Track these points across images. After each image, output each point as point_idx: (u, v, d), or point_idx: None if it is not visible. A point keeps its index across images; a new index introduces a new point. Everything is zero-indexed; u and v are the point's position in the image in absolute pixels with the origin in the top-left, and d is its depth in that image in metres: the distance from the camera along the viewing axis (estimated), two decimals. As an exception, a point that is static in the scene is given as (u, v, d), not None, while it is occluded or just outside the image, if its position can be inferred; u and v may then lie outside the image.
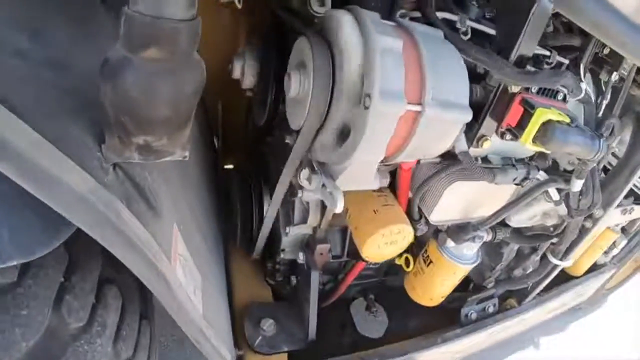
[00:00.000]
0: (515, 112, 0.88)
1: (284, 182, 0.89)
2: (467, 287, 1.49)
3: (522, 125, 0.87)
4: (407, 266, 1.24)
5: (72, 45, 0.68)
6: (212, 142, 1.51)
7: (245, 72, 1.01)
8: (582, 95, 1.05)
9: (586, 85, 1.13)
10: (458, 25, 0.92)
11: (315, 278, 1.13)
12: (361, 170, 0.76)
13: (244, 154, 1.49)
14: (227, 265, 1.33)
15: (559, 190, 1.10)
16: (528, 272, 1.41)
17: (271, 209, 1.02)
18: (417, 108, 0.69)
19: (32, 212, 0.50)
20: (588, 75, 1.22)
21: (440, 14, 0.90)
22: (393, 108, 0.66)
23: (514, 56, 0.83)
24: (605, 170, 1.38)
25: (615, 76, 1.15)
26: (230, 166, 1.54)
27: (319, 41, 0.71)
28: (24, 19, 0.61)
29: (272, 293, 1.33)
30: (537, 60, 1.10)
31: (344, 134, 0.72)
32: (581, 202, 1.11)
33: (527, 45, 0.84)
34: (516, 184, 1.00)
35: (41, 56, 0.58)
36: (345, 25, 0.69)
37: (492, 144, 0.93)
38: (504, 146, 0.99)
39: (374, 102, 0.64)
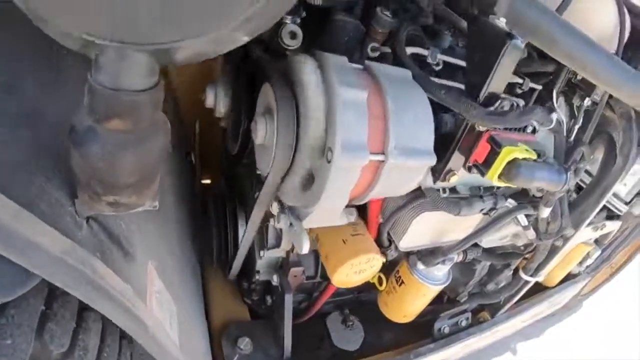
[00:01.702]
0: (482, 149, 0.89)
1: (255, 220, 0.89)
2: (442, 299, 1.52)
3: (488, 162, 0.88)
4: (380, 285, 1.26)
5: (43, 93, 0.69)
6: (187, 155, 1.50)
7: (217, 101, 1.00)
8: (553, 125, 1.05)
9: (557, 115, 1.14)
10: (429, 60, 0.92)
11: (289, 300, 1.15)
12: (327, 213, 0.77)
13: (221, 170, 1.49)
14: (205, 283, 1.34)
15: (527, 216, 1.12)
16: (501, 286, 1.43)
17: (246, 238, 1.02)
18: (380, 157, 0.70)
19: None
20: (561, 98, 1.23)
21: (410, 49, 0.90)
22: (355, 161, 0.67)
23: (482, 95, 0.82)
24: (579, 187, 1.39)
25: (587, 101, 1.16)
26: (208, 181, 1.54)
27: (283, 90, 0.71)
28: None
29: (249, 311, 1.34)
30: (509, 87, 1.11)
31: (309, 181, 0.72)
32: (549, 227, 1.13)
33: (497, 83, 0.83)
34: (484, 214, 1.01)
35: (15, 110, 0.60)
36: (308, 75, 0.69)
37: (461, 174, 0.94)
38: (472, 177, 1.00)
39: (336, 157, 0.65)
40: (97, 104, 0.46)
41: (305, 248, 0.78)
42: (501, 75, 0.83)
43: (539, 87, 1.16)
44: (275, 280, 1.19)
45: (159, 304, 0.84)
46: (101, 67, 0.43)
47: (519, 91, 1.13)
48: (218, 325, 1.29)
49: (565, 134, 1.19)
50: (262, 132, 0.74)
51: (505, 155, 0.85)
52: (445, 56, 0.94)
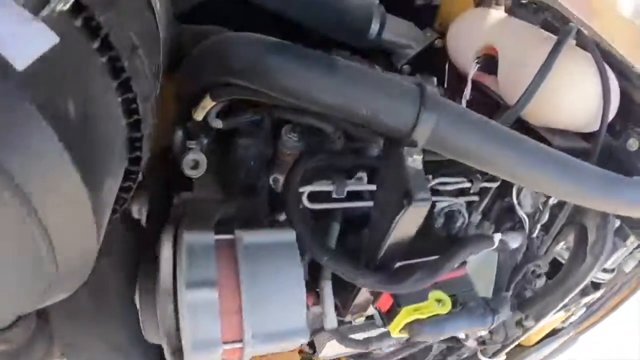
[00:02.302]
0: (386, 300, 0.80)
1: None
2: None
3: (390, 315, 0.80)
4: (326, 363, 1.25)
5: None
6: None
7: (141, 212, 0.97)
8: (495, 246, 0.93)
9: (518, 211, 1.00)
10: (334, 195, 0.82)
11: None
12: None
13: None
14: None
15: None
16: (463, 358, 1.37)
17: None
18: (238, 345, 0.66)
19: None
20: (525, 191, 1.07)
21: (310, 188, 0.80)
22: (209, 356, 0.64)
23: (379, 257, 0.71)
24: (558, 263, 1.24)
25: (553, 200, 1.00)
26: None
27: (146, 270, 0.68)
28: None
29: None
30: (457, 192, 0.98)
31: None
32: (494, 337, 1.04)
33: (398, 239, 0.70)
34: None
35: None
36: (163, 258, 0.65)
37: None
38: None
39: (187, 355, 0.63)
40: None
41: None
42: (401, 235, 0.70)
43: (494, 185, 1.01)
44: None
45: None
46: None
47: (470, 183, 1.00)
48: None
49: (527, 231, 1.05)
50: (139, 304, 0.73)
51: (403, 317, 0.76)
52: (358, 186, 0.84)
